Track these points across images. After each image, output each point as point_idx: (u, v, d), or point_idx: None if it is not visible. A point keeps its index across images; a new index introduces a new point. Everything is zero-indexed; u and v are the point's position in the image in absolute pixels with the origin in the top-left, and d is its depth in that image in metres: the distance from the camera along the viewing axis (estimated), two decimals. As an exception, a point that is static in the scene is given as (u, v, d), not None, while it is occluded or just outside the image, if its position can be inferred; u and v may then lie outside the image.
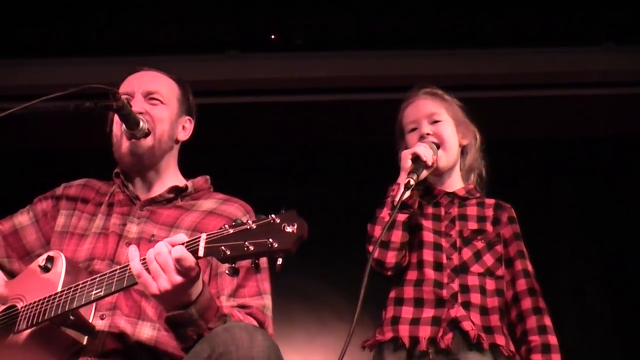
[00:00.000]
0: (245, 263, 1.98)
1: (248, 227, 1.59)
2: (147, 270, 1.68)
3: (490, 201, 2.46)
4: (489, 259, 2.33)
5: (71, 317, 1.82)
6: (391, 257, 2.27)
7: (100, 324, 1.91)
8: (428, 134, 2.43)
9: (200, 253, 1.63)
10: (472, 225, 2.38)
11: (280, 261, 1.55)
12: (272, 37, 4.23)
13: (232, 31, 4.21)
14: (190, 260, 1.64)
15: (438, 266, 2.30)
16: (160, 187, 2.21)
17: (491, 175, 2.57)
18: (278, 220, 1.57)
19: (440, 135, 2.44)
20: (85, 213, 2.19)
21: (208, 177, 2.32)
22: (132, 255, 1.72)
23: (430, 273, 2.29)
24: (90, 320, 1.90)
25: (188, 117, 2.33)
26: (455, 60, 4.25)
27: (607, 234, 4.22)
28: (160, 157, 2.21)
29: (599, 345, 4.06)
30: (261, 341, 1.66)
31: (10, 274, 2.16)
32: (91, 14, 4.07)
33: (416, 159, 2.31)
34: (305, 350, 4.17)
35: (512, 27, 4.20)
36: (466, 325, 2.19)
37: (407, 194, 2.26)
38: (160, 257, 1.66)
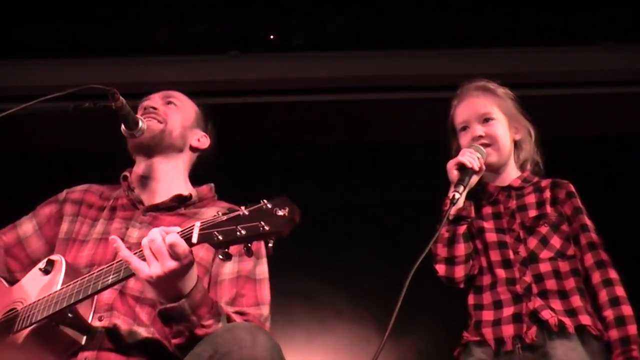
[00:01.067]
0: (245, 270, 2.02)
1: (240, 213, 1.61)
2: (142, 257, 1.70)
3: (546, 182, 2.43)
4: (556, 241, 2.29)
5: (69, 314, 1.83)
6: (459, 272, 2.27)
7: (98, 324, 1.90)
8: (480, 136, 2.41)
9: (194, 240, 1.65)
10: (532, 212, 2.34)
11: (271, 244, 1.57)
12: (272, 37, 4.23)
13: (232, 31, 4.21)
14: (183, 246, 1.65)
15: (507, 263, 2.27)
16: (165, 194, 2.21)
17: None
18: (270, 206, 1.59)
19: (492, 136, 2.42)
20: (88, 218, 2.19)
21: (212, 185, 2.33)
22: (120, 244, 1.74)
23: (501, 272, 2.26)
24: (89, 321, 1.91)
25: (204, 134, 2.38)
26: (455, 60, 4.25)
27: (607, 234, 4.21)
28: (169, 151, 2.25)
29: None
30: (264, 341, 1.66)
31: (12, 284, 2.17)
32: (90, 14, 4.07)
33: (462, 167, 2.29)
34: (305, 350, 4.17)
35: (512, 26, 4.20)
36: (545, 315, 2.14)
37: (461, 203, 2.28)
38: (154, 243, 1.67)
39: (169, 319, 1.75)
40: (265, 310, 2.04)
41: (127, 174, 2.26)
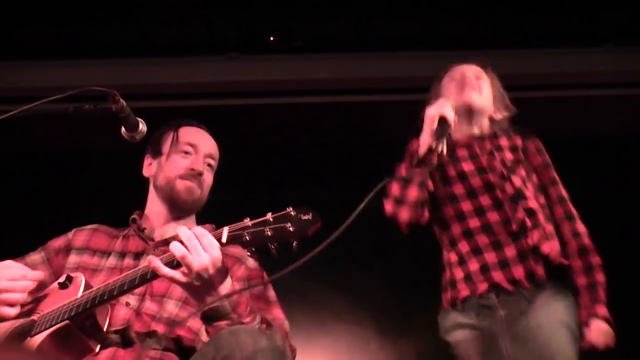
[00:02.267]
0: (255, 290, 2.09)
1: (267, 218, 1.72)
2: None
3: (515, 133, 2.49)
4: (532, 184, 2.36)
5: (88, 321, 1.88)
6: (404, 214, 2.26)
7: (113, 337, 1.95)
8: (470, 81, 2.48)
9: (224, 239, 1.74)
10: (509, 155, 2.39)
11: (295, 244, 1.68)
12: (272, 38, 4.24)
13: (232, 33, 4.22)
14: (215, 243, 1.75)
15: (497, 204, 2.29)
16: (174, 230, 2.26)
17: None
18: (294, 213, 1.70)
19: (481, 87, 2.49)
20: (98, 252, 2.24)
21: (214, 225, 2.37)
22: (157, 264, 1.78)
23: (494, 215, 2.28)
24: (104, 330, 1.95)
25: None
26: (456, 61, 4.25)
27: (607, 235, 4.21)
28: (194, 212, 2.34)
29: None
30: (265, 346, 1.69)
31: None
32: (91, 16, 4.08)
33: (442, 120, 2.26)
34: (304, 352, 4.17)
35: (512, 28, 4.21)
36: (545, 248, 2.22)
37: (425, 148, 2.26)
38: (202, 236, 1.76)
39: (212, 319, 1.81)
40: (286, 324, 2.13)
41: (136, 217, 2.32)
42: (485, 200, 2.31)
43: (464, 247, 2.30)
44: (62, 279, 2.02)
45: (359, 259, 4.14)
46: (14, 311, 1.99)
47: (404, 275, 4.07)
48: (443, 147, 2.22)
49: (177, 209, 2.29)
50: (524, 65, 4.24)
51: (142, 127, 2.13)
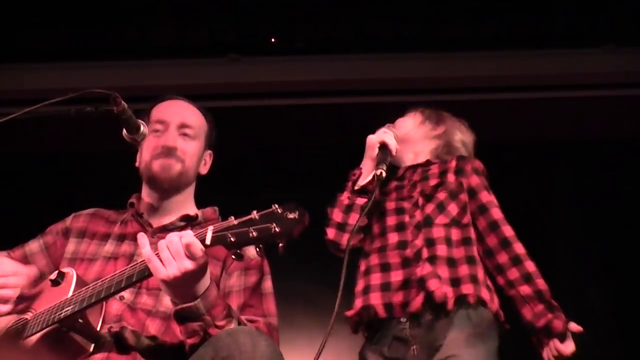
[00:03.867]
0: (251, 282, 2.08)
1: (252, 217, 1.67)
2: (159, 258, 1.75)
3: (453, 158, 2.44)
4: (453, 208, 2.27)
5: (80, 321, 1.86)
6: (345, 239, 2.26)
7: (107, 337, 1.94)
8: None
9: (208, 241, 1.71)
10: (434, 181, 2.34)
11: (281, 245, 1.64)
12: (273, 40, 4.24)
13: (233, 34, 4.22)
14: (198, 245, 1.72)
15: (400, 226, 2.26)
16: (172, 216, 2.27)
17: (492, 177, 2.56)
18: (280, 210, 1.66)
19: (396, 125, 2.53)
20: (95, 239, 2.24)
21: (216, 208, 2.36)
22: (143, 242, 1.79)
23: (394, 236, 2.25)
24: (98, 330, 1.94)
25: (209, 151, 2.42)
26: (457, 62, 4.26)
27: (607, 235, 4.22)
28: (184, 187, 2.30)
29: (599, 346, 4.05)
30: (264, 347, 1.69)
31: None
32: (92, 18, 4.08)
33: (383, 147, 2.35)
34: (306, 354, 4.17)
35: (512, 29, 4.21)
36: (432, 284, 2.11)
37: (368, 178, 2.32)
38: (172, 245, 1.73)
39: (184, 319, 1.80)
40: (273, 320, 2.10)
41: (134, 200, 2.31)
42: (391, 221, 2.30)
43: (361, 265, 2.31)
44: (53, 276, 2.01)
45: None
46: (6, 307, 1.98)
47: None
48: (383, 172, 2.27)
49: (162, 190, 2.26)
50: (524, 66, 4.24)
51: (144, 129, 2.13)
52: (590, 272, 4.26)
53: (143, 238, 1.81)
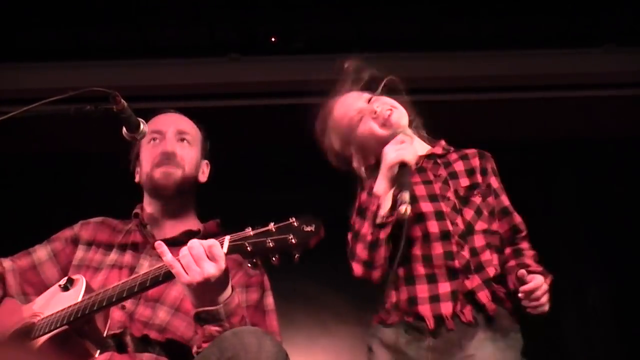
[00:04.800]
0: (253, 300, 2.11)
1: (269, 228, 1.73)
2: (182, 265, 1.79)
3: (471, 151, 2.33)
4: (487, 213, 2.20)
5: (87, 326, 1.90)
6: (377, 274, 2.12)
7: (110, 341, 1.97)
8: (378, 112, 2.31)
9: (225, 249, 1.75)
10: (465, 181, 2.23)
11: (297, 256, 1.70)
12: (273, 40, 4.23)
13: (233, 34, 4.22)
14: (219, 247, 1.76)
15: (445, 235, 2.12)
16: (176, 229, 2.29)
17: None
18: (297, 223, 1.71)
19: (391, 103, 2.36)
20: (101, 248, 2.27)
21: (219, 220, 2.39)
22: (164, 250, 1.82)
23: (438, 246, 2.11)
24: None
25: (206, 161, 2.45)
26: (457, 62, 4.25)
27: (607, 235, 4.22)
28: (185, 194, 2.33)
29: (600, 346, 4.06)
30: (269, 347, 1.71)
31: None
32: (92, 17, 4.08)
33: (403, 166, 2.08)
34: (306, 353, 4.17)
35: (513, 29, 4.20)
36: (482, 297, 2.07)
37: (388, 206, 2.07)
38: (194, 249, 1.77)
39: (204, 321, 1.83)
40: (276, 337, 2.09)
41: (139, 211, 2.33)
42: (433, 227, 2.13)
43: (401, 272, 2.15)
44: (63, 282, 2.05)
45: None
46: None
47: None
48: (408, 208, 1.96)
49: (164, 199, 2.28)
50: (524, 66, 4.24)
51: (144, 127, 2.14)
52: (590, 272, 4.26)
53: (162, 247, 1.83)
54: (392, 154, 2.12)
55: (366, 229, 2.13)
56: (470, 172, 2.26)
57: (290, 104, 4.36)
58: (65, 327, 1.89)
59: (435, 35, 4.20)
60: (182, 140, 2.32)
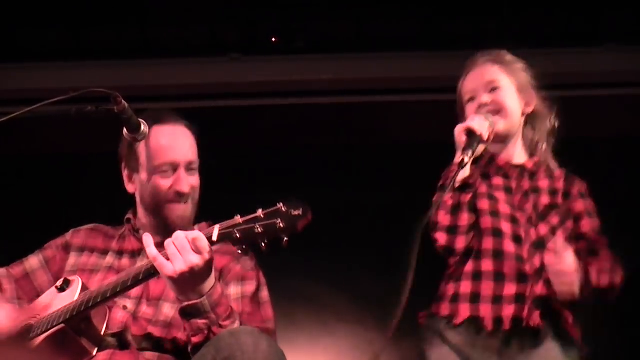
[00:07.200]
0: (248, 291, 2.10)
1: (258, 215, 1.74)
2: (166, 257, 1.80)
3: (559, 172, 2.35)
4: (560, 236, 2.15)
5: (83, 324, 1.91)
6: (461, 242, 2.11)
7: (110, 340, 1.98)
8: (486, 104, 2.29)
9: (215, 238, 1.76)
10: (545, 199, 2.24)
11: (286, 240, 1.70)
12: (274, 39, 4.23)
13: (234, 34, 4.22)
14: (204, 240, 1.76)
15: (517, 238, 2.13)
16: (169, 233, 2.25)
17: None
18: (285, 208, 1.72)
19: (499, 103, 2.29)
20: (96, 252, 2.26)
21: (210, 223, 2.35)
22: (148, 242, 1.84)
23: (510, 245, 2.12)
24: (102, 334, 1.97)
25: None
26: (458, 61, 4.23)
27: (607, 235, 4.21)
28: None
29: (599, 346, 4.05)
30: (266, 347, 1.71)
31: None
32: (92, 17, 4.08)
33: (470, 133, 2.13)
34: (307, 353, 4.17)
35: (513, 28, 4.20)
36: (554, 305, 2.08)
37: (467, 172, 2.12)
38: (178, 240, 1.79)
39: (190, 315, 1.83)
40: (271, 325, 2.11)
41: (131, 217, 2.30)
42: (506, 228, 2.15)
43: (469, 266, 2.15)
44: (59, 283, 2.05)
45: (362, 259, 4.14)
46: None
47: (405, 276, 4.06)
48: (465, 158, 2.07)
49: (169, 225, 2.23)
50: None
51: (144, 128, 2.14)
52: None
53: (148, 238, 1.85)
54: (458, 126, 2.19)
55: (446, 196, 2.13)
56: (553, 192, 2.28)
57: (290, 104, 4.37)
58: (62, 325, 1.89)
59: (436, 34, 4.20)
60: (191, 169, 2.25)
